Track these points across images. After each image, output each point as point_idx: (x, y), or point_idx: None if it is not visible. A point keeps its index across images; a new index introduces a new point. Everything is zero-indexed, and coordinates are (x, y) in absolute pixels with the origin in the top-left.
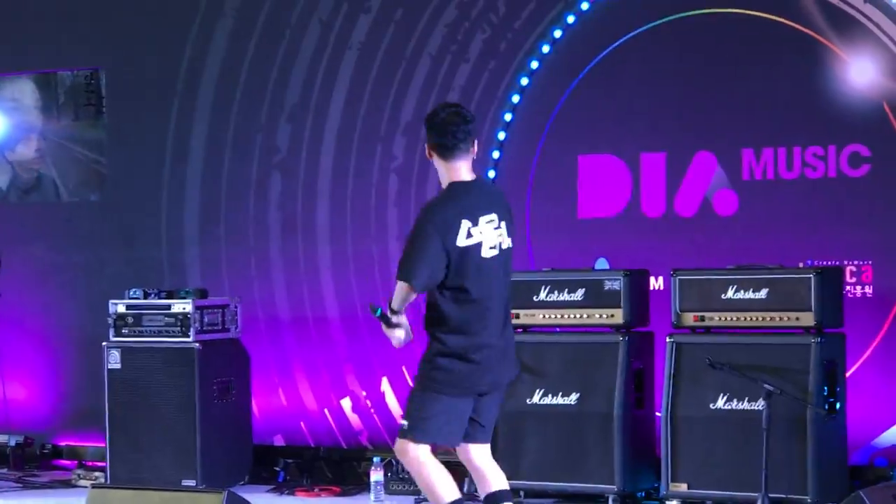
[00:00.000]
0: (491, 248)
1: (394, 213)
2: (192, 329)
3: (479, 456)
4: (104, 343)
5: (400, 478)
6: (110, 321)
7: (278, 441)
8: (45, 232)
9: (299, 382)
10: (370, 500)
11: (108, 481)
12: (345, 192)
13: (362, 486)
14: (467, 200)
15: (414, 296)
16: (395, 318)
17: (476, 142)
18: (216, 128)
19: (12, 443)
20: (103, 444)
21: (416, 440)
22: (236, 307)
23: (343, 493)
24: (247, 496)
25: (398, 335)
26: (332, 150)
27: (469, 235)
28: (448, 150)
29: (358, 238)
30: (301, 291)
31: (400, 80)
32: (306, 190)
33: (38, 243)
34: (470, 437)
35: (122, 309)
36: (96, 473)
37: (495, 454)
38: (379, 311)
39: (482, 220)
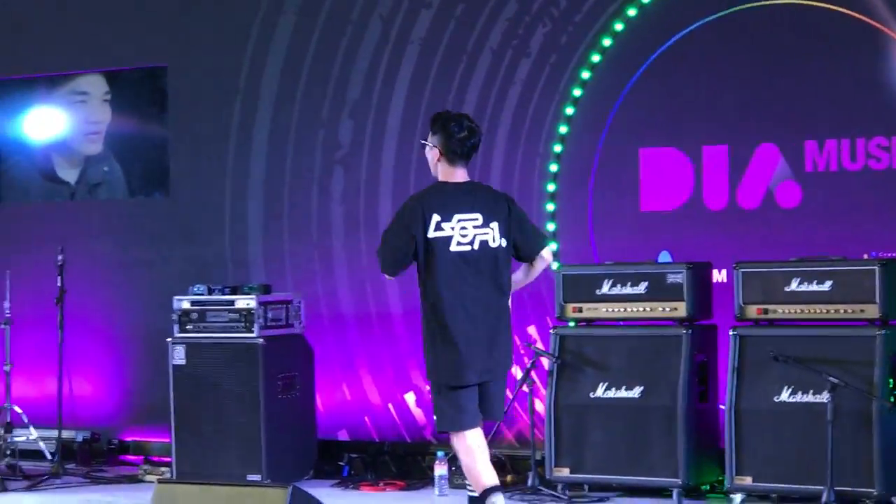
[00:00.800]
0: (459, 243)
1: None
2: (256, 325)
3: None
4: (169, 339)
5: (461, 471)
6: (175, 317)
7: (342, 436)
8: (110, 228)
9: (363, 377)
10: (434, 494)
11: (174, 476)
12: (406, 186)
13: (426, 480)
14: (444, 198)
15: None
16: None
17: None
18: (278, 124)
19: (80, 438)
20: (169, 440)
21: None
22: (300, 302)
23: (407, 488)
24: (311, 491)
25: None
26: (394, 145)
27: (438, 228)
28: (457, 158)
29: None
30: (364, 286)
31: (461, 75)
32: (368, 185)
33: (103, 240)
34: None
35: (186, 305)
36: (162, 469)
37: (559, 447)
38: None
39: (456, 216)
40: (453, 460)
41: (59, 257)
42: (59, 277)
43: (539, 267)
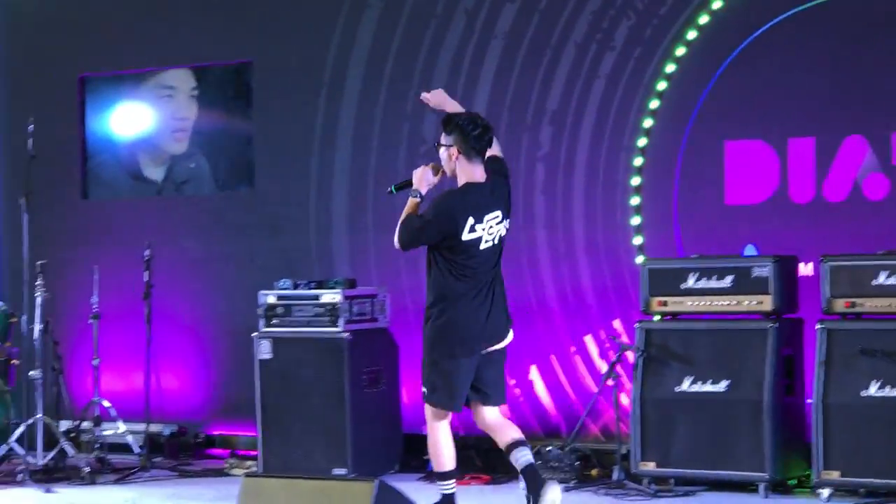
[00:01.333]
0: (486, 242)
1: (540, 201)
2: (341, 319)
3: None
4: (255, 334)
5: (549, 466)
6: (261, 312)
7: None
8: (196, 223)
9: None
10: (520, 488)
11: (261, 470)
12: None
13: (512, 474)
14: (477, 200)
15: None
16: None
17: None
18: (363, 118)
19: (167, 432)
20: (255, 434)
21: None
22: (385, 296)
23: (492, 482)
24: (397, 485)
25: (421, 174)
26: None
27: (472, 230)
28: (475, 154)
29: None
30: None
31: (545, 68)
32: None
33: (189, 235)
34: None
35: (272, 300)
36: (248, 462)
37: (644, 441)
38: (393, 187)
39: (486, 217)
40: (538, 454)
41: (147, 252)
42: (146, 272)
43: None
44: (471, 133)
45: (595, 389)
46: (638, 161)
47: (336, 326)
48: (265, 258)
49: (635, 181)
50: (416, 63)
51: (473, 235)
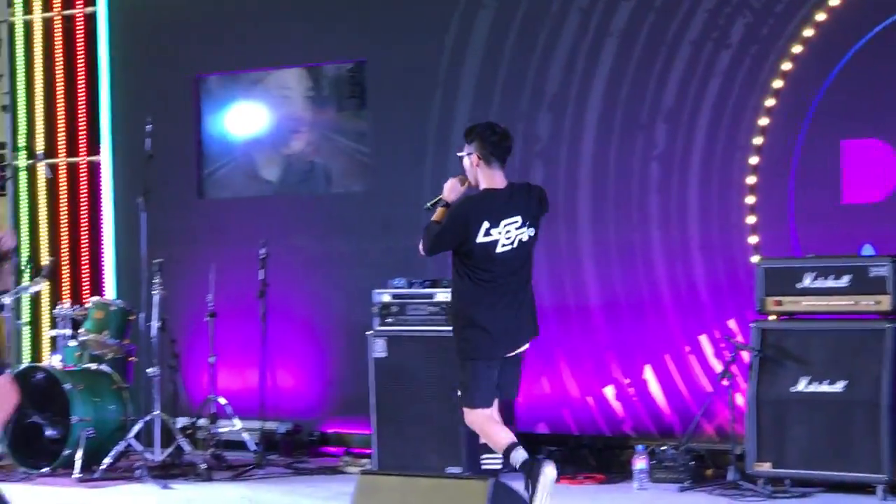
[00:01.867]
0: (503, 245)
1: (655, 200)
2: None
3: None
4: (369, 332)
5: (664, 466)
6: (375, 310)
7: (541, 429)
8: (310, 223)
9: (562, 370)
10: (634, 488)
11: (375, 468)
12: (606, 179)
13: (625, 474)
14: (493, 205)
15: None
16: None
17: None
18: (477, 117)
19: (282, 430)
20: (369, 432)
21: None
22: None
23: (606, 481)
24: (511, 484)
25: (451, 185)
26: (593, 137)
27: (487, 234)
28: (494, 160)
29: (619, 225)
30: (563, 279)
31: (660, 67)
32: (567, 178)
33: (303, 234)
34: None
35: (386, 298)
36: (363, 460)
37: (760, 442)
38: (429, 203)
39: (504, 221)
40: (653, 454)
41: (262, 251)
42: (261, 271)
43: None
44: (489, 139)
45: (710, 389)
46: (753, 160)
47: (449, 325)
48: (379, 257)
49: (751, 180)
50: (530, 61)
51: (488, 239)
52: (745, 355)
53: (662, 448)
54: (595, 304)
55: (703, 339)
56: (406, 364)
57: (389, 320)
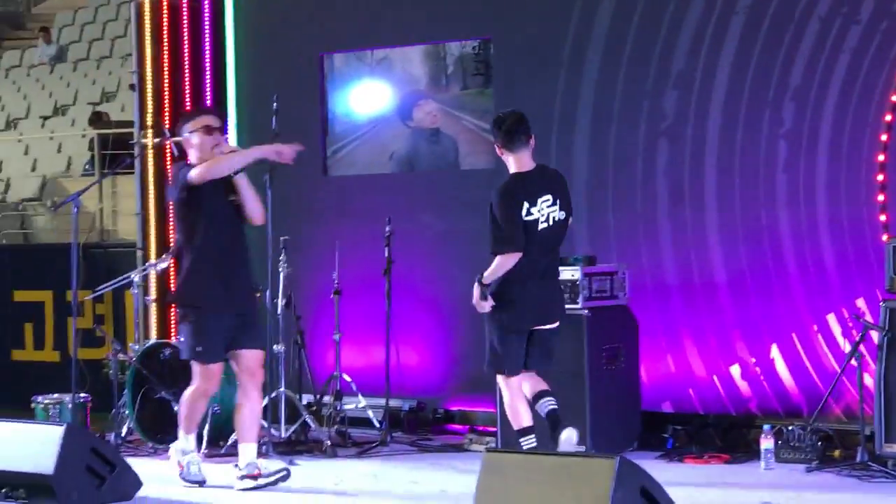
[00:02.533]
0: (543, 222)
1: (783, 178)
2: (580, 296)
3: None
4: None
5: (791, 446)
6: None
7: (666, 408)
8: (435, 200)
9: (687, 349)
10: (760, 468)
11: (499, 446)
12: (732, 158)
13: (751, 453)
14: (526, 186)
15: (512, 262)
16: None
17: (532, 136)
18: (602, 95)
19: (406, 408)
20: (493, 410)
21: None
22: (624, 274)
23: (732, 461)
24: (636, 462)
25: (485, 306)
26: (719, 115)
27: (528, 213)
28: (515, 145)
29: (746, 204)
30: (689, 257)
31: (788, 43)
32: (693, 156)
33: (428, 212)
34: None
35: None
36: (487, 438)
37: (888, 423)
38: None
39: (539, 200)
40: (779, 434)
41: (387, 228)
42: (386, 248)
43: None
44: (501, 129)
45: (837, 369)
46: (884, 137)
47: (575, 303)
48: None
49: (881, 157)
50: (656, 40)
51: (530, 218)
52: (874, 335)
53: (790, 427)
54: (721, 282)
55: (831, 319)
56: None
57: None
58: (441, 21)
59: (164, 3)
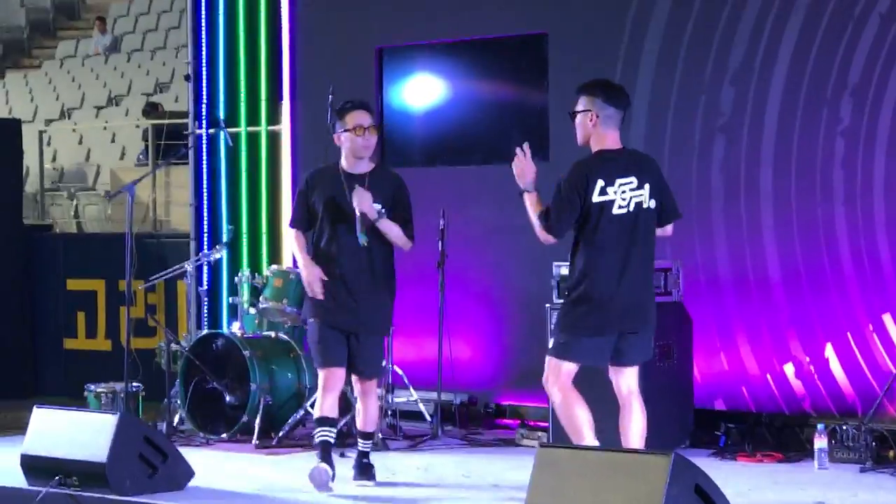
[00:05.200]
0: (620, 207)
1: (840, 175)
2: None
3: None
4: (548, 305)
5: (845, 445)
6: (554, 283)
7: (719, 405)
8: (489, 194)
9: (741, 346)
10: (814, 467)
11: (550, 442)
12: (789, 154)
13: (805, 452)
14: (606, 164)
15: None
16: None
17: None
18: (658, 90)
19: (457, 401)
20: (545, 405)
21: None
22: (678, 270)
23: (785, 460)
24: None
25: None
26: (777, 112)
27: (603, 193)
28: (611, 120)
29: (802, 201)
30: (743, 254)
31: (847, 40)
32: (749, 152)
33: (482, 205)
34: None
35: (566, 271)
36: (538, 433)
37: None
38: None
39: (619, 181)
40: (833, 433)
41: (441, 221)
42: (439, 241)
43: (662, 235)
44: (611, 96)
45: (893, 369)
46: None
47: None
48: None
49: None
50: (713, 35)
51: (604, 198)
52: None
53: (843, 427)
54: (776, 280)
55: (887, 318)
56: None
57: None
58: (497, 15)
59: None
